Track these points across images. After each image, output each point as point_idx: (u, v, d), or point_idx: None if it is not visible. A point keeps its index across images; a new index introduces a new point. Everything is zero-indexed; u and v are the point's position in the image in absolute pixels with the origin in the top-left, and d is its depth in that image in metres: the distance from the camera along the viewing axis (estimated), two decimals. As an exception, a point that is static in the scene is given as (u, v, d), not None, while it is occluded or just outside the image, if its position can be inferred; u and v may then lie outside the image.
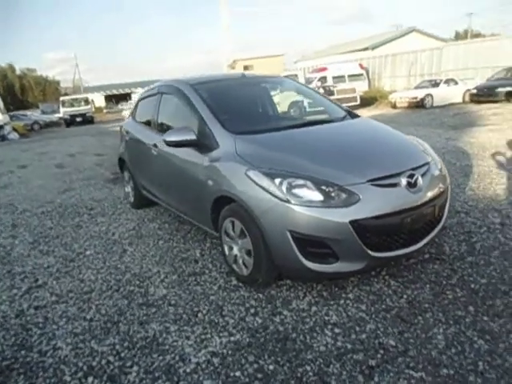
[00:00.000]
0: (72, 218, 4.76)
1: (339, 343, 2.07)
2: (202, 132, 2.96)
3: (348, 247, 2.26)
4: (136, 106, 4.63)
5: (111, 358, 2.10)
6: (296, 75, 18.50)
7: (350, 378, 1.83)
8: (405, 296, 2.46)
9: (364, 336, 2.12)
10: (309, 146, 2.73)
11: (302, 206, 2.26)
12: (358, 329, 2.18)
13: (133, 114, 4.65)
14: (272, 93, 4.14)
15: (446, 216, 2.80)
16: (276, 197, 2.31)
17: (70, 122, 24.12)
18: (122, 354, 2.12)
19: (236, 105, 3.43)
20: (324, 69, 21.39)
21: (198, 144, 2.95)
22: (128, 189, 4.91)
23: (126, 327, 2.38)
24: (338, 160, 2.53)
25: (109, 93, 53.79)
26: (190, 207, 3.33)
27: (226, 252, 2.85)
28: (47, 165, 9.20)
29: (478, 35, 37.54)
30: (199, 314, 2.45)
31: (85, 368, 2.05)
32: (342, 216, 2.22)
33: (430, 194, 2.53)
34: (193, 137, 2.92)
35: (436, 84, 15.56)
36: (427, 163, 2.68)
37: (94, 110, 28.15)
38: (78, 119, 24.22)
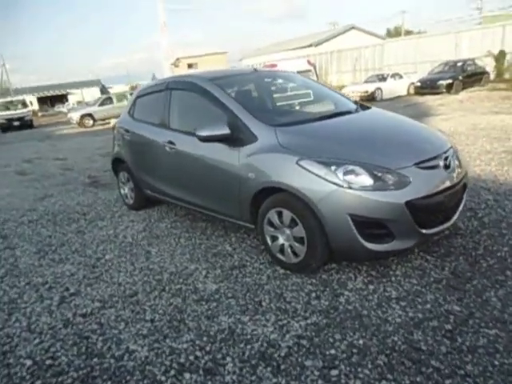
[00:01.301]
0: (68, 224, 4.51)
1: (411, 314, 2.24)
2: (235, 126, 2.97)
3: (403, 226, 2.44)
4: (134, 103, 4.47)
5: (198, 353, 2.09)
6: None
7: (437, 342, 2.00)
8: (446, 268, 2.69)
9: (429, 306, 2.30)
10: (348, 134, 2.87)
11: (360, 190, 2.39)
12: (420, 300, 2.37)
13: (130, 112, 4.49)
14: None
15: (466, 194, 3.09)
16: (333, 183, 2.42)
17: (7, 127, 22.19)
18: (207, 348, 2.12)
19: (261, 98, 3.47)
20: (274, 65, 21.55)
21: (231, 138, 2.97)
22: (125, 190, 4.74)
23: (194, 323, 2.36)
24: (382, 147, 2.70)
25: (45, 93, 50.30)
26: (220, 202, 3.29)
27: (269, 242, 2.91)
28: (5, 172, 8.52)
29: (409, 32, 40.24)
30: (263, 303, 2.49)
31: (175, 365, 2.02)
32: (398, 198, 2.39)
33: (458, 174, 2.79)
34: (227, 131, 2.93)
35: (384, 78, 16.58)
36: (451, 147, 2.94)
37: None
38: (16, 123, 22.33)
